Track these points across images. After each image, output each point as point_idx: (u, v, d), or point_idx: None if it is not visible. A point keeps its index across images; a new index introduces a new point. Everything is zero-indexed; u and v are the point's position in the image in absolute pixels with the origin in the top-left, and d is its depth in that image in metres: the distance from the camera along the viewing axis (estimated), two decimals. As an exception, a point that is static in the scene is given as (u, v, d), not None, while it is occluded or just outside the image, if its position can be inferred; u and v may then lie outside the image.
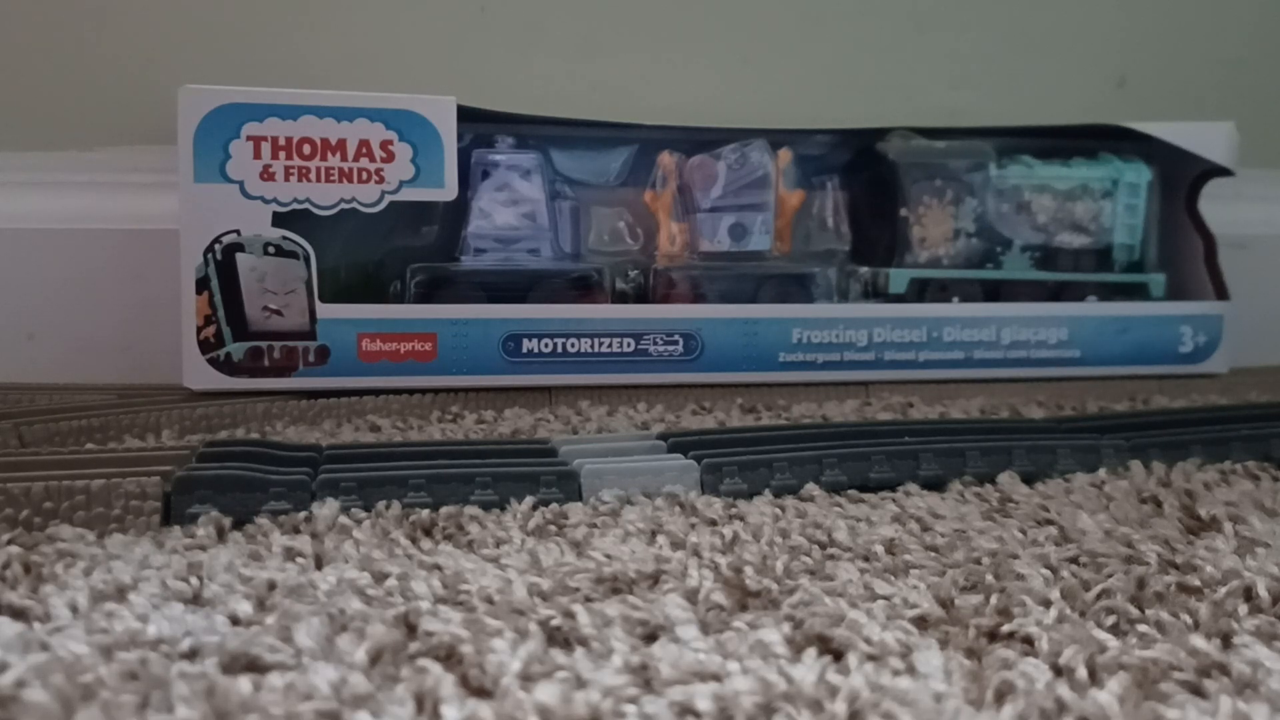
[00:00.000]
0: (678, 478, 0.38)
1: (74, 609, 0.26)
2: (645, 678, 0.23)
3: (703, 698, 0.21)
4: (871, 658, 0.24)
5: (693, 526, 0.34)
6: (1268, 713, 0.22)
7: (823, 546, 0.32)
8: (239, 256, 0.51)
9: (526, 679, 0.23)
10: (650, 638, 0.25)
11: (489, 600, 0.27)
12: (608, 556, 0.30)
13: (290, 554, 0.31)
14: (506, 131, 0.57)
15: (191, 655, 0.23)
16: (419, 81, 0.59)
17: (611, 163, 0.60)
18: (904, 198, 0.60)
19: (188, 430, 0.48)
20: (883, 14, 0.69)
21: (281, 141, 0.51)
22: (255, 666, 0.23)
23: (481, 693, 0.22)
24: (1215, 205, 0.64)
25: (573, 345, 0.54)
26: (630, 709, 0.21)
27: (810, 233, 0.61)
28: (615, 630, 0.25)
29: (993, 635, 0.26)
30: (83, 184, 0.61)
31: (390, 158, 0.52)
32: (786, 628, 0.26)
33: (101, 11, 0.60)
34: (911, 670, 0.23)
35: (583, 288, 0.57)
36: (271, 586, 0.28)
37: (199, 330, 0.51)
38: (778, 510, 0.36)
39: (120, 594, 0.27)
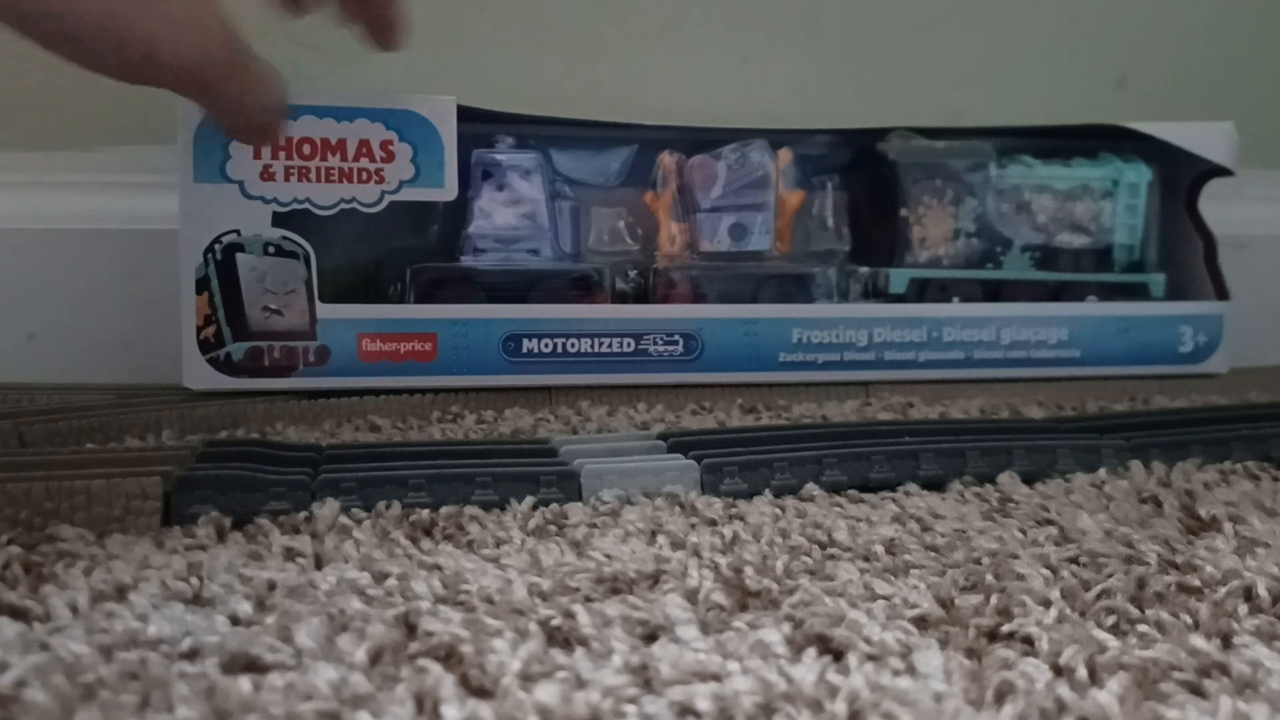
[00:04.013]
0: (678, 478, 0.38)
1: (74, 609, 0.26)
2: (645, 678, 0.23)
3: (703, 698, 0.21)
4: (871, 658, 0.24)
5: (693, 526, 0.34)
6: (1268, 713, 0.22)
7: (823, 546, 0.32)
8: (239, 256, 0.51)
9: (526, 679, 0.23)
10: (650, 638, 0.25)
11: (489, 600, 0.27)
12: (608, 556, 0.30)
13: (290, 554, 0.31)
14: (506, 131, 0.57)
15: (191, 655, 0.23)
16: (419, 81, 0.59)
17: (611, 163, 0.60)
18: (904, 198, 0.60)
19: (188, 430, 0.48)
20: (883, 14, 0.69)
21: (281, 141, 0.51)
22: (255, 666, 0.23)
23: (482, 693, 0.22)
24: (1215, 205, 0.64)
25: (573, 345, 0.54)
26: (630, 709, 0.21)
27: (810, 233, 0.61)
28: (615, 630, 0.25)
29: (993, 635, 0.26)
30: (83, 184, 0.61)
31: (390, 158, 0.52)
32: (786, 628, 0.26)
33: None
34: (911, 670, 0.23)
35: (583, 288, 0.57)
36: (271, 586, 0.28)
37: (199, 330, 0.51)
38: (778, 510, 0.36)
39: (120, 594, 0.27)
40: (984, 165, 0.61)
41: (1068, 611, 0.27)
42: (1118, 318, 0.61)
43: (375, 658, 0.23)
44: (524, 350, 0.54)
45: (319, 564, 0.30)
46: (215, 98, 0.40)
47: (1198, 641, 0.25)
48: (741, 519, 0.35)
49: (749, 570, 0.29)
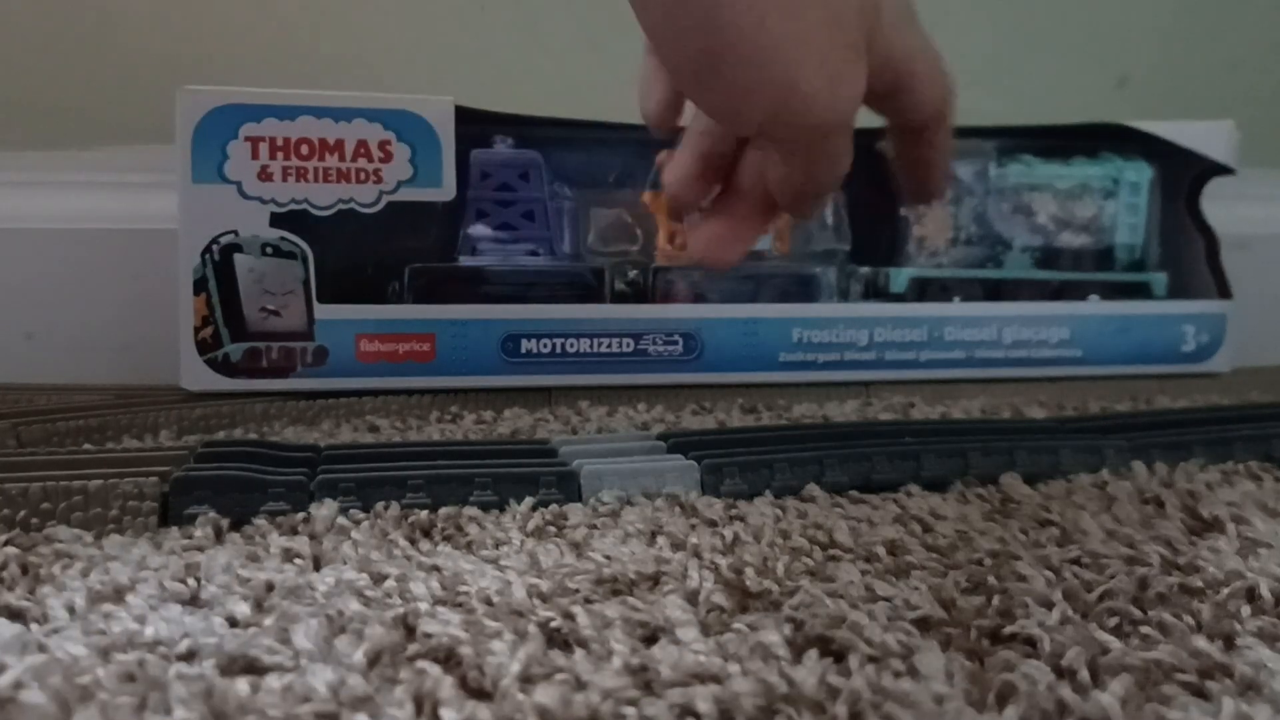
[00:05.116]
0: (678, 478, 0.38)
1: (71, 610, 0.26)
2: (645, 679, 0.23)
3: (703, 699, 0.21)
4: (873, 659, 0.24)
5: (693, 527, 0.34)
6: (1270, 714, 0.22)
7: (824, 547, 0.32)
8: (237, 257, 0.51)
9: (526, 681, 0.22)
10: (650, 639, 0.25)
11: (488, 602, 0.27)
12: (607, 558, 0.30)
13: (288, 555, 0.31)
14: (505, 132, 0.57)
15: (189, 657, 0.23)
16: (418, 81, 0.59)
17: (610, 163, 0.60)
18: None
19: (186, 431, 0.48)
20: (883, 13, 0.69)
21: (279, 142, 0.51)
22: (253, 668, 0.23)
23: (481, 694, 0.22)
24: (1217, 205, 0.64)
25: (572, 345, 0.54)
26: (630, 711, 0.21)
27: (810, 233, 0.61)
28: (615, 632, 0.25)
29: (994, 636, 0.26)
30: (82, 184, 0.61)
31: (388, 158, 0.52)
32: (787, 629, 0.25)
33: (101, 11, 0.60)
34: (913, 672, 0.23)
35: (582, 288, 0.57)
36: (269, 588, 0.28)
37: (197, 331, 0.51)
38: (778, 511, 0.36)
39: (118, 595, 0.27)
40: (984, 165, 0.61)
41: (1070, 613, 0.27)
42: (1119, 317, 0.61)
43: (374, 659, 0.23)
44: (523, 350, 0.54)
45: (317, 565, 0.30)
46: (809, 159, 0.34)
47: (1200, 643, 0.25)
48: (742, 520, 0.35)
49: (749, 571, 0.29)
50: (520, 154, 0.57)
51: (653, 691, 0.22)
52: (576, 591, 0.28)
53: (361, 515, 0.34)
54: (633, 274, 0.58)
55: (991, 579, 0.29)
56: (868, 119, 0.61)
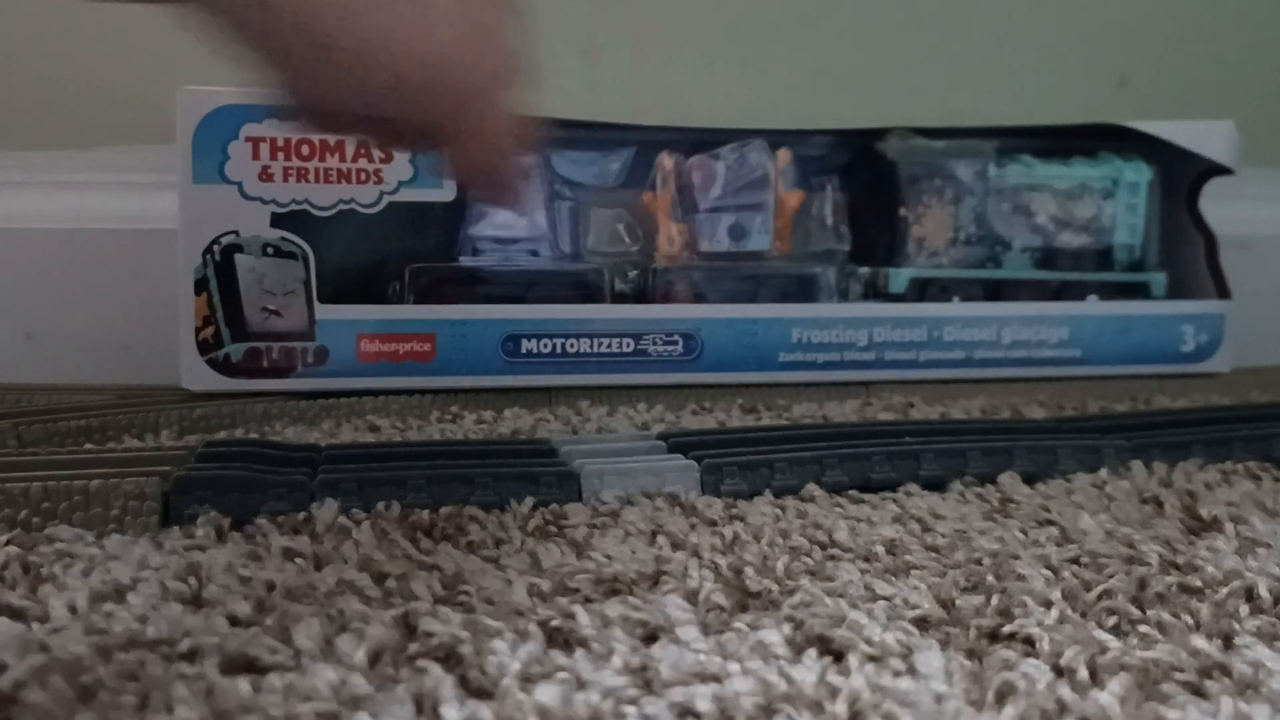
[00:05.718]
0: (678, 478, 0.38)
1: (73, 609, 0.26)
2: (645, 679, 0.23)
3: (703, 699, 0.21)
4: (872, 658, 0.24)
5: (693, 527, 0.34)
6: (1269, 713, 0.22)
7: (823, 547, 0.32)
8: (238, 257, 0.51)
9: (526, 680, 0.22)
10: (650, 638, 0.25)
11: (489, 601, 0.27)
12: (608, 557, 0.30)
13: (289, 555, 0.31)
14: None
15: (190, 656, 0.23)
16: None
17: (611, 164, 0.60)
18: (903, 197, 0.60)
19: (186, 430, 0.48)
20: (883, 14, 0.69)
21: (280, 142, 0.51)
22: (254, 667, 0.23)
23: (481, 694, 0.22)
24: (1217, 205, 0.64)
25: (572, 345, 0.54)
26: (630, 710, 0.21)
27: (810, 233, 0.61)
28: (615, 631, 0.25)
29: (994, 636, 0.26)
30: (83, 184, 0.61)
31: (389, 158, 0.52)
32: (787, 628, 0.25)
33: (101, 11, 0.60)
34: (912, 671, 0.23)
35: (582, 288, 0.57)
36: (270, 587, 0.28)
37: (198, 331, 0.51)
38: (778, 511, 0.36)
39: (119, 594, 0.27)
40: (983, 165, 0.61)
41: (1069, 612, 0.27)
42: (1119, 317, 0.61)
43: (375, 659, 0.23)
44: (523, 350, 0.54)
45: (318, 565, 0.30)
46: (454, 133, 0.32)
47: (1199, 642, 0.25)
48: (742, 519, 0.35)
49: (749, 571, 0.29)
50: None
51: (653, 691, 0.22)
52: (577, 591, 0.28)
53: (362, 515, 0.35)
54: (633, 274, 0.58)
55: (990, 578, 0.29)
56: (866, 118, 0.61)
